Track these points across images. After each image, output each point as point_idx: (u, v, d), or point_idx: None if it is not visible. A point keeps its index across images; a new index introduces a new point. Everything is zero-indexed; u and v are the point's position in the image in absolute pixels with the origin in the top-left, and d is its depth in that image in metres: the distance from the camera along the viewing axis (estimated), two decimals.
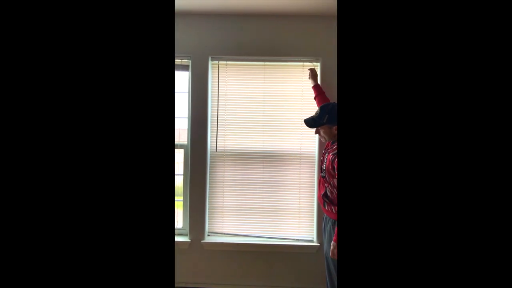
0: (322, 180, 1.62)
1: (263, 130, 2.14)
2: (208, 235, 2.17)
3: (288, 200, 2.15)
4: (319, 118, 1.57)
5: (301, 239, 2.15)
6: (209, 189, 2.16)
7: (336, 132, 1.57)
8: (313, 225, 2.14)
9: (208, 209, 2.17)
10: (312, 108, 2.05)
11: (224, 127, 2.15)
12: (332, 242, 1.45)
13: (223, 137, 2.15)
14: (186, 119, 2.16)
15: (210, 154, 2.16)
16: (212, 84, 2.16)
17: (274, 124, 2.14)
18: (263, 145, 2.15)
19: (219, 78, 2.14)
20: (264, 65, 2.14)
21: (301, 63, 2.12)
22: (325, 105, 1.61)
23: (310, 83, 2.02)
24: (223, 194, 2.17)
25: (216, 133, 2.14)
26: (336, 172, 1.46)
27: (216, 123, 2.15)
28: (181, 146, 2.19)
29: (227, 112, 2.15)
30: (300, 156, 2.14)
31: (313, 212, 2.14)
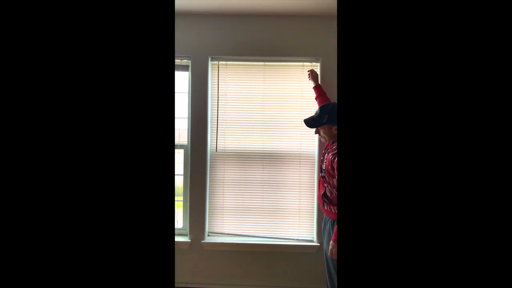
0: (321, 180, 1.62)
1: (263, 130, 2.14)
2: (208, 235, 2.17)
3: (288, 200, 2.15)
4: (319, 118, 1.57)
5: (301, 239, 2.15)
6: (209, 189, 2.16)
7: (336, 132, 1.57)
8: (313, 225, 2.14)
9: (208, 209, 2.17)
10: (312, 108, 2.05)
11: (224, 127, 2.15)
12: (331, 242, 1.45)
13: (223, 137, 2.15)
14: (186, 119, 2.16)
15: (210, 154, 2.16)
16: (212, 84, 2.16)
17: (274, 124, 2.14)
18: (263, 145, 2.15)
19: (219, 78, 2.14)
20: (264, 65, 2.14)
21: (301, 63, 2.12)
22: (325, 105, 1.61)
23: (310, 83, 2.02)
24: (223, 194, 2.17)
25: (216, 133, 2.15)
26: (336, 172, 1.46)
27: (216, 123, 2.15)
28: (181, 146, 2.19)
29: (227, 112, 2.15)
30: (300, 156, 2.14)
31: (313, 212, 2.14)
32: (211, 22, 2.09)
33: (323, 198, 1.59)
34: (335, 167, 1.46)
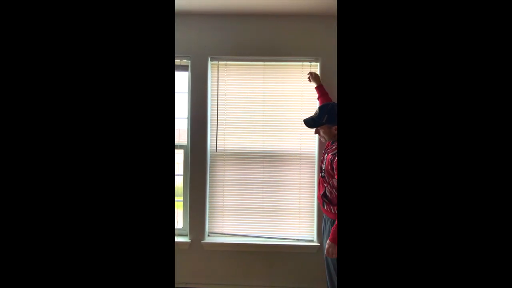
0: (321, 180, 1.62)
1: (263, 130, 2.14)
2: (208, 235, 2.17)
3: (288, 200, 2.15)
4: (318, 118, 1.57)
5: (301, 239, 2.15)
6: (209, 189, 2.16)
7: (335, 132, 1.57)
8: (313, 225, 2.14)
9: (208, 209, 2.17)
10: (311, 108, 2.05)
11: (224, 127, 2.15)
12: (328, 241, 1.45)
13: (223, 137, 2.15)
14: (186, 120, 2.16)
15: (210, 154, 2.16)
16: (211, 84, 2.16)
17: (274, 124, 2.14)
18: (263, 145, 2.15)
19: (219, 78, 2.14)
20: (264, 65, 2.14)
21: (301, 63, 2.12)
22: (324, 105, 1.61)
23: (310, 83, 2.02)
24: (223, 194, 2.17)
25: (216, 133, 2.14)
26: (335, 172, 1.46)
27: (216, 123, 2.15)
28: (181, 147, 2.19)
29: (226, 112, 2.15)
30: (300, 156, 2.14)
31: (313, 212, 2.14)
32: (210, 22, 2.08)
33: (323, 198, 1.59)
34: (334, 167, 1.46)
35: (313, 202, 2.14)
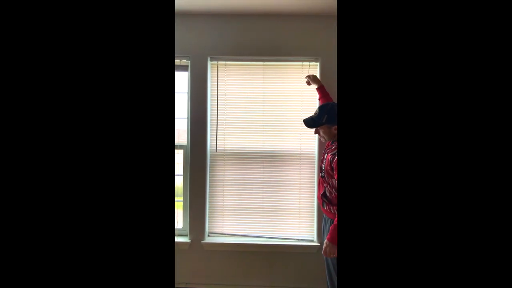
0: (321, 180, 1.62)
1: (262, 130, 2.14)
2: (208, 236, 2.17)
3: (288, 200, 2.15)
4: (318, 118, 1.57)
5: (301, 239, 2.15)
6: (209, 190, 2.16)
7: (335, 132, 1.57)
8: (313, 225, 2.14)
9: (208, 209, 2.17)
10: (311, 108, 2.05)
11: (223, 127, 2.15)
12: (325, 241, 1.45)
13: (223, 137, 2.15)
14: (186, 120, 2.16)
15: (210, 154, 2.16)
16: (211, 85, 2.16)
17: (274, 124, 2.14)
18: (263, 145, 2.15)
19: (218, 78, 2.14)
20: (264, 65, 2.14)
21: (301, 63, 2.12)
22: (324, 105, 1.61)
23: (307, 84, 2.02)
24: (223, 194, 2.17)
25: (216, 133, 2.14)
26: (335, 172, 1.46)
27: (215, 123, 2.15)
28: (180, 147, 2.19)
29: (226, 112, 2.15)
30: (300, 156, 2.14)
31: (313, 212, 2.14)
32: (210, 22, 2.08)
33: (323, 198, 1.59)
34: (334, 167, 1.46)
35: (313, 202, 2.14)
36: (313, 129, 1.64)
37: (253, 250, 2.12)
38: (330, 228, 1.45)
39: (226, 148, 2.16)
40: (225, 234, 2.17)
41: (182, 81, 2.18)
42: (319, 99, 1.96)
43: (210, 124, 2.15)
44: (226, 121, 2.15)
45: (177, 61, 2.14)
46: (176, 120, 2.14)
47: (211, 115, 2.15)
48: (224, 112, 2.15)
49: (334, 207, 1.54)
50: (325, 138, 1.61)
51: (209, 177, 2.16)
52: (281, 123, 2.14)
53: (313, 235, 2.14)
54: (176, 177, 2.18)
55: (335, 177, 1.47)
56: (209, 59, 2.12)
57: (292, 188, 2.15)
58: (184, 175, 2.18)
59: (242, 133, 2.15)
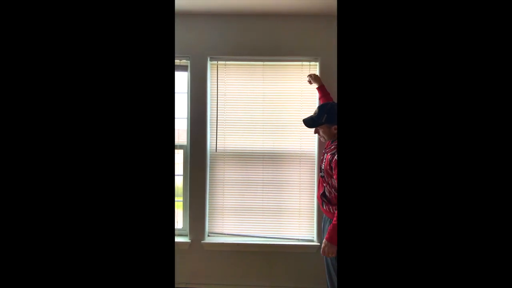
0: (321, 180, 1.62)
1: (262, 130, 2.14)
2: (208, 236, 2.17)
3: (288, 200, 2.15)
4: (317, 118, 1.57)
5: (301, 239, 2.15)
6: (209, 189, 2.16)
7: (335, 131, 1.57)
8: (313, 225, 2.14)
9: (208, 209, 2.17)
10: (311, 108, 2.05)
11: (223, 127, 2.15)
12: (324, 240, 1.45)
13: (223, 137, 2.15)
14: (186, 120, 2.16)
15: (210, 155, 2.16)
16: (211, 85, 2.16)
17: (274, 124, 2.14)
18: (263, 145, 2.15)
19: (218, 78, 2.14)
20: (263, 65, 2.14)
21: (300, 63, 2.12)
22: (323, 105, 1.61)
23: (308, 82, 2.02)
24: (223, 194, 2.17)
25: (215, 133, 2.14)
26: (334, 172, 1.46)
27: (215, 123, 2.15)
28: (180, 147, 2.19)
29: (226, 112, 2.15)
30: (300, 156, 2.14)
31: (313, 212, 2.14)
32: (210, 22, 2.08)
33: (322, 198, 1.60)
34: (333, 166, 1.46)
35: (313, 202, 2.14)
36: (313, 129, 1.64)
37: (253, 250, 2.12)
38: (329, 228, 1.45)
39: (226, 148, 2.16)
40: (225, 234, 2.17)
41: (182, 81, 2.18)
42: (319, 99, 1.96)
43: (210, 124, 2.15)
44: (226, 121, 2.15)
45: (177, 61, 2.14)
46: (176, 120, 2.14)
47: (211, 115, 2.15)
48: (224, 112, 2.15)
49: (334, 207, 1.54)
50: (325, 137, 1.61)
51: (209, 177, 2.16)
52: (281, 123, 2.14)
53: (313, 235, 2.14)
54: (176, 177, 2.18)
55: (335, 176, 1.47)
56: (208, 59, 2.12)
57: (292, 188, 2.15)
58: (184, 175, 2.18)
59: (242, 133, 2.15)
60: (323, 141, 1.67)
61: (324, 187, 1.58)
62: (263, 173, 2.15)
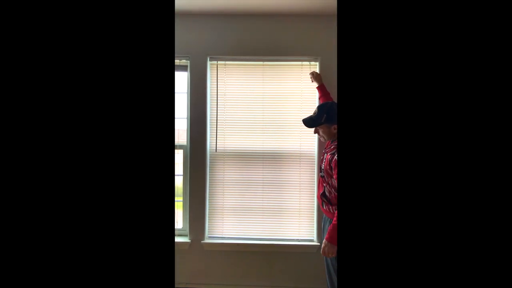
0: (321, 180, 1.62)
1: (262, 130, 2.14)
2: (208, 237, 2.17)
3: (288, 200, 2.15)
4: (317, 118, 1.57)
5: (301, 239, 2.15)
6: (209, 190, 2.16)
7: (334, 131, 1.57)
8: (313, 225, 2.14)
9: (208, 209, 2.17)
10: (311, 108, 2.05)
11: (223, 127, 2.15)
12: (324, 240, 1.45)
13: (223, 137, 2.15)
14: (185, 120, 2.16)
15: (210, 154, 2.16)
16: (211, 84, 2.15)
17: (274, 124, 2.14)
18: (263, 145, 2.14)
19: (218, 78, 2.14)
20: (263, 64, 2.14)
21: (300, 63, 2.12)
22: (323, 105, 1.61)
23: (309, 82, 2.02)
24: (223, 195, 2.17)
25: (215, 133, 2.14)
26: (334, 172, 1.46)
27: (215, 123, 2.15)
28: (180, 147, 2.19)
29: (226, 112, 2.15)
30: (300, 156, 2.14)
31: (313, 212, 2.14)
32: (209, 22, 2.08)
33: (322, 198, 1.59)
34: (333, 166, 1.46)
35: (313, 202, 2.14)
36: (313, 129, 1.64)
37: (253, 250, 2.12)
38: (329, 228, 1.45)
39: (226, 148, 2.16)
40: (225, 237, 2.17)
41: (181, 81, 2.18)
42: (319, 98, 1.97)
43: (210, 124, 2.15)
44: (226, 121, 2.15)
45: (176, 61, 2.14)
46: (176, 120, 2.14)
47: (210, 115, 2.15)
48: (224, 112, 2.15)
49: (334, 207, 1.53)
50: (325, 137, 1.61)
51: (209, 177, 2.16)
52: (281, 123, 2.14)
53: (313, 235, 2.14)
54: (176, 177, 2.18)
55: (334, 176, 1.47)
56: (208, 59, 2.12)
57: (292, 188, 2.15)
58: (184, 175, 2.18)
59: (242, 133, 2.15)
60: (323, 141, 1.67)
61: (324, 187, 1.58)
62: (263, 173, 2.15)
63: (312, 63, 2.12)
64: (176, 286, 2.14)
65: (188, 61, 2.11)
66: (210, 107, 2.15)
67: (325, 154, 1.59)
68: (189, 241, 2.12)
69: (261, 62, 2.13)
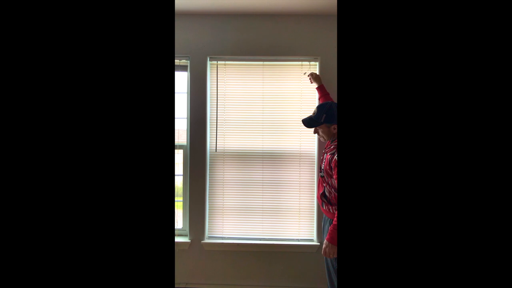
0: (321, 180, 1.62)
1: (262, 130, 2.14)
2: (208, 237, 2.17)
3: (288, 200, 2.15)
4: (317, 118, 1.57)
5: (301, 239, 2.15)
6: (208, 190, 2.16)
7: (334, 131, 1.57)
8: (313, 225, 2.14)
9: (208, 209, 2.17)
10: (311, 107, 2.05)
11: (223, 127, 2.15)
12: (324, 241, 1.45)
13: (223, 137, 2.15)
14: (185, 120, 2.16)
15: (210, 154, 2.16)
16: (210, 84, 2.16)
17: (274, 124, 2.14)
18: (263, 145, 2.15)
19: (218, 78, 2.14)
20: (263, 64, 2.14)
21: (300, 63, 2.13)
22: (322, 105, 1.61)
23: (309, 83, 2.02)
24: (223, 194, 2.17)
25: (215, 133, 2.14)
26: (333, 172, 1.46)
27: (215, 123, 2.15)
28: (180, 147, 2.19)
29: (226, 112, 2.15)
30: (300, 156, 2.14)
31: (313, 212, 2.14)
32: (209, 22, 2.08)
33: (322, 198, 1.60)
34: (333, 166, 1.46)
35: (313, 202, 2.14)
36: (312, 129, 1.64)
37: (253, 250, 2.12)
38: (329, 228, 1.45)
39: (225, 148, 2.16)
40: (225, 237, 2.17)
41: (181, 81, 2.18)
42: (318, 99, 1.97)
43: (210, 124, 2.15)
44: (226, 121, 2.15)
45: (176, 61, 2.14)
46: (176, 120, 2.14)
47: (210, 115, 2.15)
48: (224, 112, 2.15)
49: (334, 207, 1.54)
50: (324, 137, 1.61)
51: (209, 177, 2.16)
52: (280, 123, 2.14)
53: (313, 235, 2.15)
54: (176, 177, 2.18)
55: (334, 176, 1.47)
56: (208, 59, 2.12)
57: (292, 188, 2.15)
58: (184, 175, 2.18)
59: (241, 133, 2.15)
60: (323, 141, 1.67)
61: (324, 187, 1.58)
62: (263, 173, 2.15)
63: (312, 63, 2.12)
64: (176, 286, 2.14)
65: (188, 61, 2.11)
66: (210, 107, 2.15)
67: (325, 154, 1.59)
68: (189, 241, 2.12)
69: (261, 62, 2.13)
